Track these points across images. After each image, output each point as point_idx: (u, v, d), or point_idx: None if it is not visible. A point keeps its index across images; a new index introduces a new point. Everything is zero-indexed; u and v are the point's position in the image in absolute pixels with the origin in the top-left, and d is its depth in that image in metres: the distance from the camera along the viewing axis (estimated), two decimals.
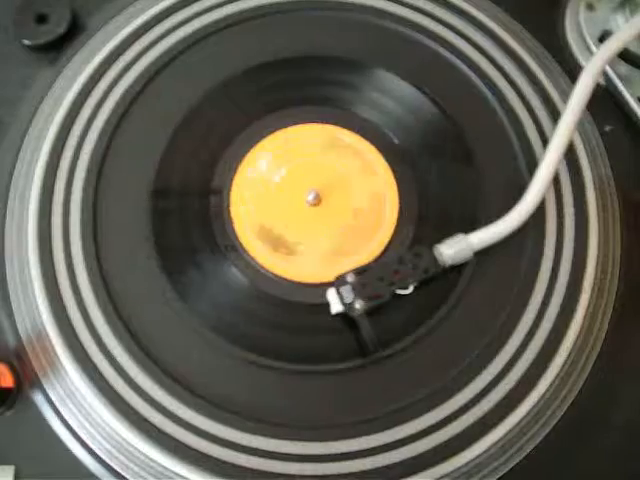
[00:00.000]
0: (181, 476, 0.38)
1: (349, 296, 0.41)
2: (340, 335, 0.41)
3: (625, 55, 0.49)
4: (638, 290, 0.44)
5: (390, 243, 0.44)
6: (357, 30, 0.49)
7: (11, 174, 0.45)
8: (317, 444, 0.39)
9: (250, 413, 0.39)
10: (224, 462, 0.38)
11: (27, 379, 0.40)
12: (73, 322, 0.41)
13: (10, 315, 0.42)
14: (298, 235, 0.44)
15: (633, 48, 0.49)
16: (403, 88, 0.48)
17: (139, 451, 0.38)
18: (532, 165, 0.45)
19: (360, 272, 0.42)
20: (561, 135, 0.44)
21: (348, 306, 0.41)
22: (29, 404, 0.40)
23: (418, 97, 0.48)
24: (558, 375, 0.41)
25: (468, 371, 0.40)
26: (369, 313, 0.41)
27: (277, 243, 0.44)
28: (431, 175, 0.46)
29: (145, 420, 0.39)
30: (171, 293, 0.42)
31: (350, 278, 0.41)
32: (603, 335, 0.42)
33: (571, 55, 0.50)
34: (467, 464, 0.39)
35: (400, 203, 0.45)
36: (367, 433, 0.39)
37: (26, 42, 0.48)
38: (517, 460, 0.39)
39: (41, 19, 0.48)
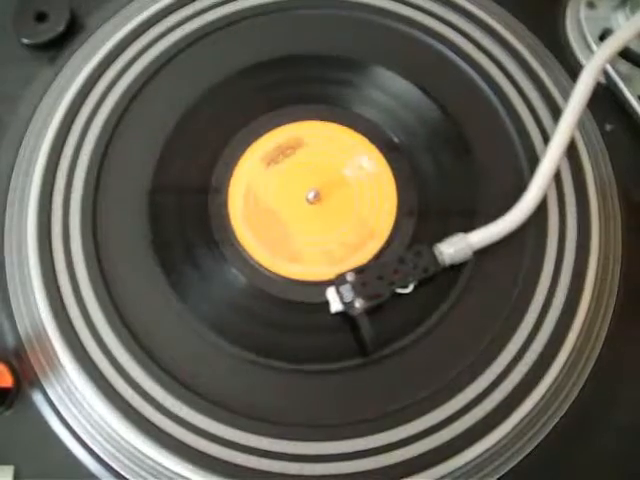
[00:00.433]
0: (181, 475, 0.38)
1: (349, 295, 0.41)
2: (339, 334, 0.41)
3: (626, 53, 0.49)
4: (638, 290, 0.44)
5: (390, 242, 0.44)
6: (356, 28, 0.49)
7: (10, 173, 0.45)
8: (316, 444, 0.39)
9: (250, 412, 0.39)
10: (224, 461, 0.38)
11: (27, 379, 0.40)
12: (73, 321, 0.41)
13: (10, 315, 0.42)
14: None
15: (634, 46, 0.49)
16: (403, 86, 0.48)
17: (139, 451, 0.38)
18: (533, 164, 0.45)
19: (360, 271, 0.42)
20: (562, 133, 0.44)
21: (348, 305, 0.41)
22: (29, 404, 0.40)
23: (418, 95, 0.48)
24: (559, 375, 0.40)
25: (469, 371, 0.40)
26: (369, 312, 0.41)
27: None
28: (431, 173, 0.46)
29: (145, 419, 0.39)
30: (170, 292, 0.42)
31: (350, 277, 0.41)
32: (604, 335, 0.42)
33: (572, 53, 0.50)
34: (467, 464, 0.39)
35: (400, 202, 0.45)
36: (367, 433, 0.39)
37: (25, 41, 0.48)
38: (517, 461, 0.39)
39: (40, 17, 0.48)
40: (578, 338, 0.41)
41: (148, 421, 0.39)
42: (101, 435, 0.39)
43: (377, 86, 0.48)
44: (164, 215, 0.44)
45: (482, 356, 0.41)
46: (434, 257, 0.42)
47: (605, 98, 0.48)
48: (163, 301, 0.42)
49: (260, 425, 0.39)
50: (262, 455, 0.38)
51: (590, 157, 0.46)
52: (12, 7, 0.48)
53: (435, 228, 0.44)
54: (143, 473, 0.38)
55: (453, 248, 0.42)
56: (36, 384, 0.40)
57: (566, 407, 0.41)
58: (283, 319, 0.42)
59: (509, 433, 0.39)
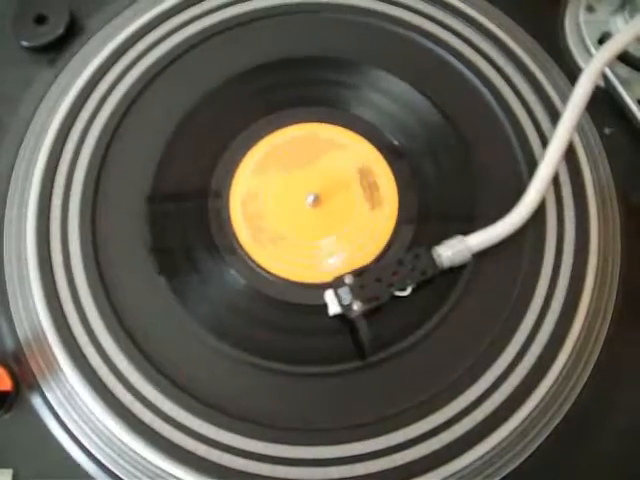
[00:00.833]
0: (178, 478, 0.38)
1: (347, 297, 0.41)
2: (338, 337, 0.41)
3: (625, 57, 0.49)
4: (637, 293, 0.44)
5: (389, 244, 0.44)
6: (356, 32, 0.49)
7: (10, 175, 0.45)
8: (315, 448, 0.38)
9: (247, 416, 0.39)
10: (221, 465, 0.38)
11: (25, 382, 0.40)
12: (71, 325, 0.41)
13: (9, 318, 0.42)
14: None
15: (633, 50, 0.49)
16: (403, 89, 0.48)
17: (137, 454, 0.38)
18: (531, 167, 0.45)
19: (358, 273, 0.42)
20: (560, 137, 0.44)
21: (346, 307, 0.41)
22: (27, 407, 0.40)
23: (418, 98, 0.48)
24: (558, 378, 0.40)
25: (468, 374, 0.40)
26: (367, 315, 0.41)
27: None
28: (430, 176, 0.46)
29: (143, 423, 0.39)
30: (170, 296, 0.42)
31: (348, 279, 0.41)
32: (603, 337, 0.42)
33: (571, 57, 0.50)
34: (466, 468, 0.39)
35: (399, 204, 0.45)
36: (366, 436, 0.39)
37: (25, 43, 0.48)
38: (517, 463, 0.39)
39: (40, 20, 0.48)
40: (577, 340, 0.41)
41: (146, 425, 0.39)
42: (99, 438, 0.39)
43: (377, 89, 0.49)
44: (164, 219, 0.44)
45: (481, 359, 0.41)
46: (432, 260, 0.42)
47: (604, 102, 0.48)
48: (162, 305, 0.42)
49: (257, 429, 0.39)
50: (259, 459, 0.38)
51: (589, 160, 0.46)
52: (12, 9, 0.48)
53: (434, 230, 0.44)
54: (140, 475, 0.38)
55: (451, 251, 0.42)
56: (35, 388, 0.40)
57: (565, 409, 0.41)
58: (281, 321, 0.42)
59: (508, 436, 0.39)
